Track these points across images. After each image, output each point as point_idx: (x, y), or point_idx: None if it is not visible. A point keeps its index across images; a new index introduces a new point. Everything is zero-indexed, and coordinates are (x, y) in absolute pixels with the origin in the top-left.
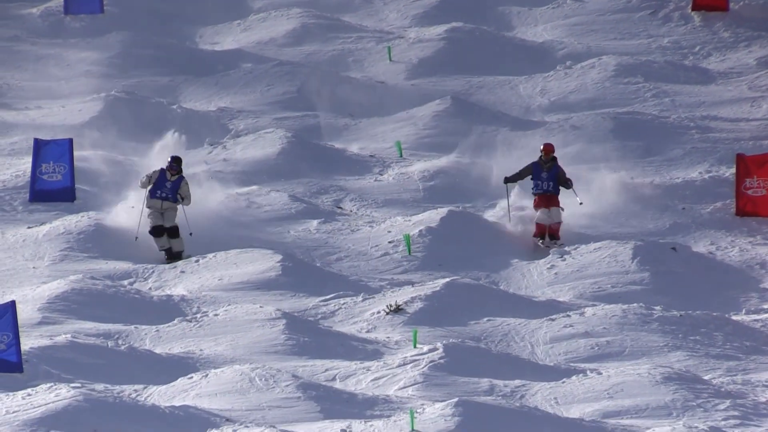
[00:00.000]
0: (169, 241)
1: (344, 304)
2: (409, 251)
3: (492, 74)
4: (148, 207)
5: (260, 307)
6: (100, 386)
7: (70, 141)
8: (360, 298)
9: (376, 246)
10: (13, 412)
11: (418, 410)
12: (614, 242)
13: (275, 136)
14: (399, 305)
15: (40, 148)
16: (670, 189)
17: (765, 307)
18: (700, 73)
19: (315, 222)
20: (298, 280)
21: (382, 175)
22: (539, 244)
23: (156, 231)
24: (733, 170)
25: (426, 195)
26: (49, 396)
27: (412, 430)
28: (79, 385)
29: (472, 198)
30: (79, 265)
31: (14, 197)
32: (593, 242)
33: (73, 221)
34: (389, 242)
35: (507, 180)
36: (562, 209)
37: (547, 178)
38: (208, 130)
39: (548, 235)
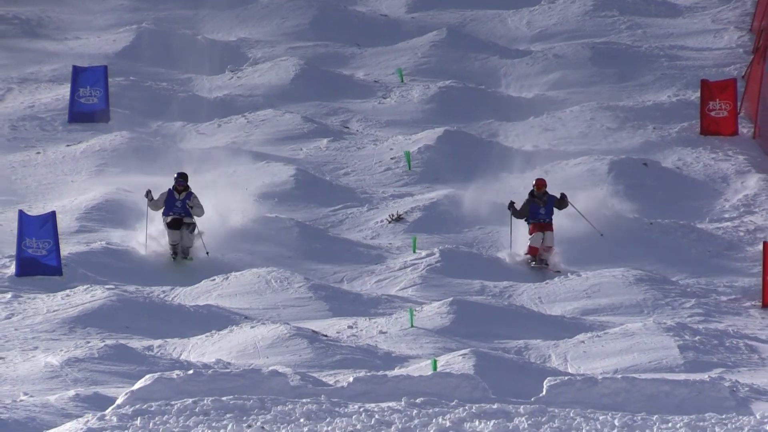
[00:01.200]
0: (183, 236)
1: (351, 213)
2: (409, 166)
3: (483, 8)
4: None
5: (275, 216)
6: (131, 287)
7: (105, 68)
8: (365, 209)
9: (380, 162)
10: (54, 311)
11: (417, 308)
12: (592, 158)
13: (289, 63)
14: (400, 215)
15: (77, 75)
16: (641, 111)
17: (726, 216)
18: (669, 8)
19: (325, 140)
20: (310, 192)
21: (385, 98)
22: (531, 264)
23: (174, 223)
24: (698, 94)
25: (424, 116)
26: (86, 296)
27: (411, 326)
28: (112, 286)
29: (466, 119)
30: (113, 179)
31: (55, 119)
32: (573, 158)
33: (108, 140)
34: (391, 158)
35: (515, 214)
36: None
37: (545, 214)
38: (229, 58)
39: (540, 258)
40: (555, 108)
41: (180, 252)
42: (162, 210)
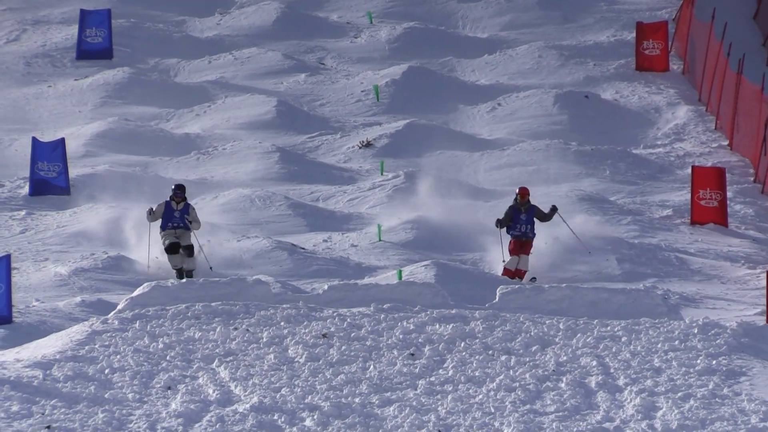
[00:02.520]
0: (184, 259)
1: (326, 140)
2: (377, 98)
3: None
4: (162, 236)
5: (259, 142)
6: (131, 205)
7: (109, 11)
8: (338, 136)
9: (351, 94)
10: (62, 227)
11: (385, 224)
12: (539, 91)
13: (271, 7)
14: (369, 141)
15: (84, 17)
16: (583, 49)
17: (658, 143)
18: None
19: (303, 75)
20: (289, 121)
21: (356, 38)
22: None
23: (172, 248)
24: (634, 35)
25: (391, 54)
26: (90, 214)
27: (379, 240)
28: (114, 205)
29: (428, 57)
30: (116, 109)
31: (64, 56)
32: (523, 91)
33: (111, 75)
34: (362, 91)
35: (499, 224)
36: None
37: (526, 221)
38: (218, 2)
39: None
40: (506, 47)
41: (184, 273)
42: (160, 223)
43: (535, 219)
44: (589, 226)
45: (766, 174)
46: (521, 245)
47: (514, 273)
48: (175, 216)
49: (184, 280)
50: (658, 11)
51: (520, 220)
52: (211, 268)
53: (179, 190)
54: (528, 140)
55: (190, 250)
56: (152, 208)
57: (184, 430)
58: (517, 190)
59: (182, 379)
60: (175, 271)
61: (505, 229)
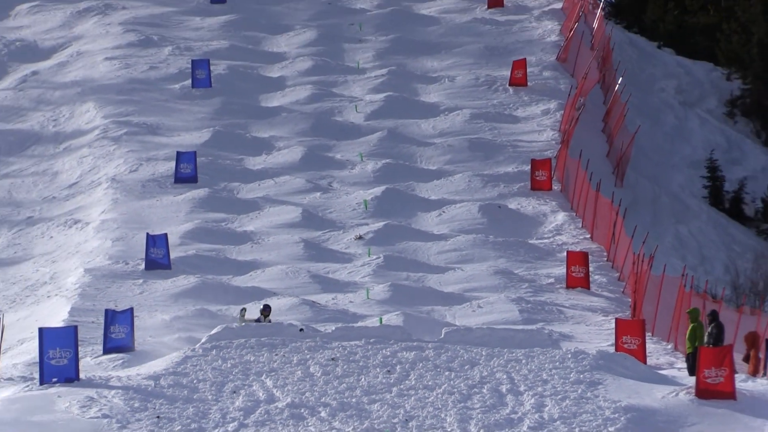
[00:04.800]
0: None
1: (333, 234)
2: (366, 207)
3: (410, 118)
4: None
5: (290, 236)
6: (210, 276)
7: (194, 153)
8: (341, 232)
9: (349, 205)
10: (166, 290)
11: (372, 288)
12: (469, 203)
13: (298, 150)
14: (361, 235)
15: (179, 156)
16: (497, 176)
17: (545, 236)
18: (513, 118)
19: (318, 193)
20: (309, 222)
21: (352, 169)
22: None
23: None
24: (529, 167)
25: (375, 179)
26: (183, 282)
27: (368, 298)
28: (199, 276)
29: (398, 181)
30: (199, 215)
31: (166, 181)
32: (458, 204)
33: (196, 193)
34: (356, 203)
35: None
36: None
37: None
38: (264, 147)
39: None
40: (448, 175)
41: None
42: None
43: None
44: (500, 289)
45: (614, 256)
46: None
47: None
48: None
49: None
50: (545, 152)
51: None
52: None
53: (266, 309)
54: (462, 234)
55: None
56: (245, 308)
57: (244, 419)
58: None
59: (242, 387)
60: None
61: None
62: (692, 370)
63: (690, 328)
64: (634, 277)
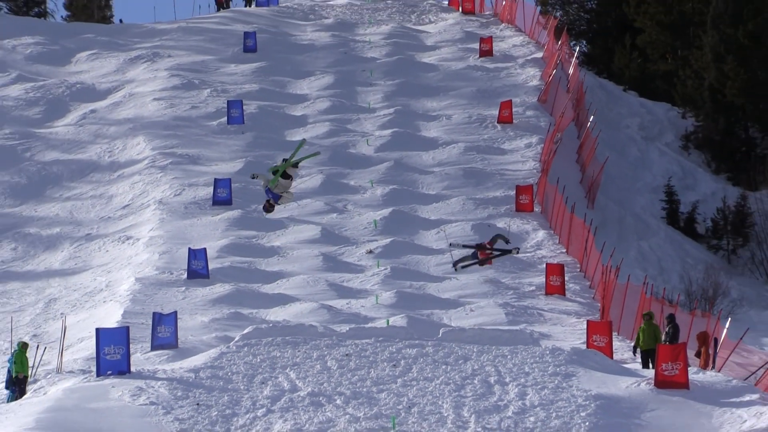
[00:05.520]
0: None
1: (347, 249)
2: (375, 226)
3: (412, 150)
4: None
5: (311, 251)
6: (242, 284)
7: (230, 180)
8: (354, 247)
9: (362, 224)
10: (204, 296)
11: (380, 295)
12: (462, 222)
13: (318, 177)
14: (371, 249)
15: (216, 183)
16: (487, 200)
17: (528, 251)
18: (500, 151)
19: (335, 214)
20: (328, 239)
21: (364, 194)
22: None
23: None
24: (514, 192)
25: (383, 202)
26: (221, 289)
27: (377, 303)
28: (233, 284)
29: (403, 203)
30: (233, 233)
31: (205, 203)
32: (453, 223)
33: (231, 213)
34: (368, 222)
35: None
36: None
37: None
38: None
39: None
40: (445, 198)
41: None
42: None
43: None
44: (489, 296)
45: (586, 267)
46: None
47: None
48: (270, 196)
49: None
50: (528, 179)
51: None
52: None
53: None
54: (456, 249)
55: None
56: (258, 176)
57: (271, 405)
58: None
59: (270, 378)
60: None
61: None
62: (644, 364)
63: (642, 325)
64: (603, 285)
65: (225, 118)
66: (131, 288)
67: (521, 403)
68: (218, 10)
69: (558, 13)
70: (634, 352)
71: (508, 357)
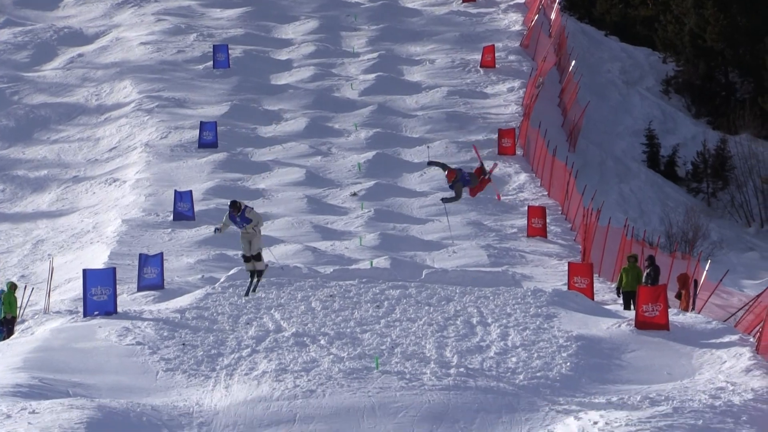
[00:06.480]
0: (254, 264)
1: (331, 191)
2: (360, 169)
3: (395, 94)
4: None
5: (296, 192)
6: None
7: (215, 123)
8: (339, 189)
9: (346, 167)
10: (190, 238)
11: (364, 236)
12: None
13: (302, 120)
14: (355, 192)
15: (202, 126)
16: (469, 143)
17: (510, 193)
18: (482, 95)
19: (319, 157)
20: (312, 181)
21: (348, 137)
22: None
23: (245, 258)
24: (497, 135)
25: (367, 145)
26: (206, 231)
27: (361, 245)
28: (219, 226)
29: (386, 147)
30: (219, 175)
31: (191, 146)
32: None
33: (217, 156)
34: (351, 165)
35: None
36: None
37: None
38: (274, 117)
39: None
40: (428, 141)
41: (255, 273)
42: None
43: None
44: (472, 237)
45: (568, 210)
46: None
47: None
48: (237, 219)
49: (255, 280)
50: (510, 122)
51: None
52: (281, 268)
53: (232, 207)
54: (440, 192)
55: (258, 257)
56: (218, 228)
57: (256, 345)
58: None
59: (255, 319)
60: (248, 272)
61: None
62: (626, 306)
63: (625, 266)
64: (584, 228)
65: (211, 63)
66: (118, 229)
67: (503, 344)
68: None
69: None
70: (618, 293)
71: (490, 298)
